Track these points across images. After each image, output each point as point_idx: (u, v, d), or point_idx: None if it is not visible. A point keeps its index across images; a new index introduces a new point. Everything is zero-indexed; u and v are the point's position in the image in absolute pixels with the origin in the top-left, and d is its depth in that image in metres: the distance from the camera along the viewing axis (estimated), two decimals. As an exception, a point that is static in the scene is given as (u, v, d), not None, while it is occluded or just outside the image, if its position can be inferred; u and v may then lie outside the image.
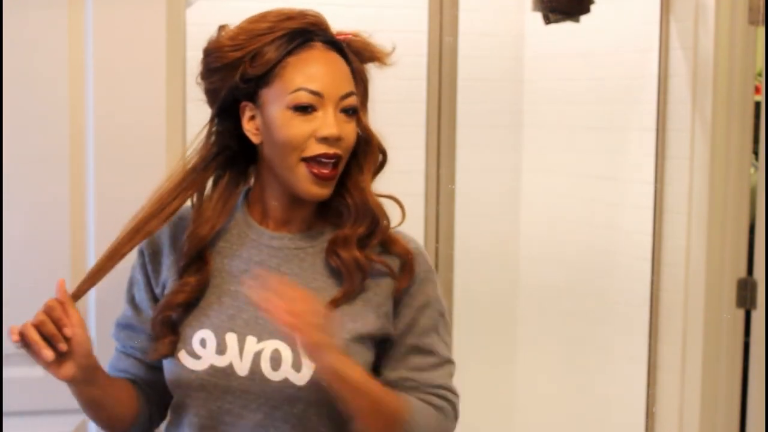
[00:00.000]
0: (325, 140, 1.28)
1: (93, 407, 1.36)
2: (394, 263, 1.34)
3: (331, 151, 1.28)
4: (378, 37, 1.36)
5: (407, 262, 1.34)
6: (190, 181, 1.36)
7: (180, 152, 1.71)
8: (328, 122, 1.28)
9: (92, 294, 1.63)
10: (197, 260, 1.36)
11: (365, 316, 1.32)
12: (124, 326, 1.43)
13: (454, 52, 2.27)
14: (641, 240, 2.59)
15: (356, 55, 1.34)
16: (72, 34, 1.62)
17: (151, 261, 1.41)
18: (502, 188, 3.22)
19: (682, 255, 2.45)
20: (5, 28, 1.59)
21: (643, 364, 2.58)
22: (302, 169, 1.29)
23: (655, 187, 2.53)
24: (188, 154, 1.38)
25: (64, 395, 1.62)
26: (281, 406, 1.29)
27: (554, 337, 3.10)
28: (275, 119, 1.29)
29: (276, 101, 1.29)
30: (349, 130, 1.30)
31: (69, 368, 1.26)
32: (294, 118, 1.28)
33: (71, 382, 1.29)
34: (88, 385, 1.31)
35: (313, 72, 1.28)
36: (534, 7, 2.48)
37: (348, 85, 1.31)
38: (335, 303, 1.31)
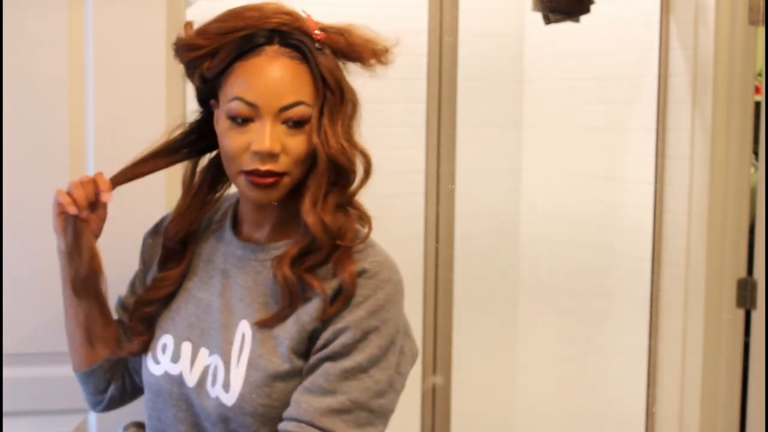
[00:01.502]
0: (257, 155, 1.21)
1: (75, 304, 1.38)
2: (333, 285, 1.24)
3: (264, 167, 1.21)
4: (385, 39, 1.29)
5: (345, 287, 1.22)
6: (160, 153, 1.36)
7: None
8: (261, 136, 1.20)
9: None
10: (175, 256, 1.36)
11: (293, 336, 1.24)
12: (121, 304, 1.47)
13: (454, 52, 2.26)
14: (641, 240, 2.59)
15: (341, 55, 1.26)
16: (72, 34, 1.62)
17: (150, 250, 1.43)
18: (502, 188, 3.22)
19: (682, 255, 2.45)
20: (5, 28, 1.59)
21: (643, 364, 2.58)
22: (242, 179, 1.24)
23: (655, 187, 2.53)
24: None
25: (64, 395, 1.62)
26: (217, 423, 1.26)
27: (554, 337, 3.10)
28: (220, 126, 1.26)
29: (222, 108, 1.25)
30: (293, 144, 1.22)
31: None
32: (231, 129, 1.23)
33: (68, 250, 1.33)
34: (81, 276, 1.34)
35: (252, 81, 1.21)
36: (534, 7, 2.48)
37: (295, 95, 1.22)
38: (263, 323, 1.25)
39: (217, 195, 1.38)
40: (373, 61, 1.27)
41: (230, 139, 1.23)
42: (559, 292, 3.04)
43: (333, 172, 1.24)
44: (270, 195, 1.24)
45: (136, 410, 1.52)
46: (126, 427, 1.57)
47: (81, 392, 1.48)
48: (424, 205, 2.30)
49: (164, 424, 1.33)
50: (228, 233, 1.35)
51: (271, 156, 1.21)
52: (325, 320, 1.24)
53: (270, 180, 1.22)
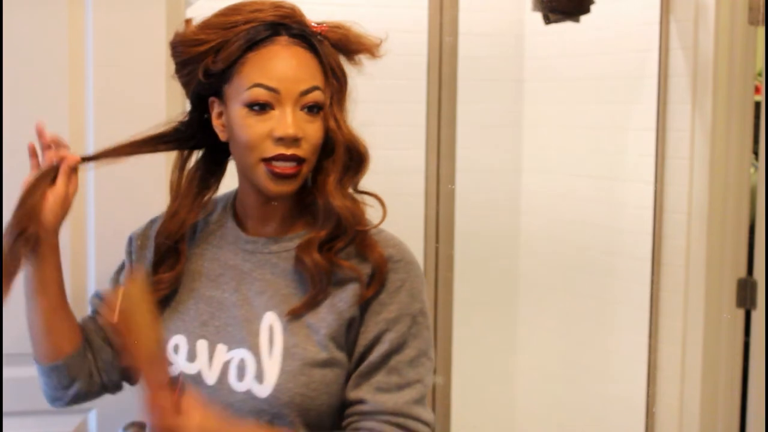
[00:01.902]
0: (281, 140, 1.22)
1: (36, 300, 1.37)
2: (366, 269, 1.27)
3: (289, 152, 1.22)
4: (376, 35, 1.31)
5: (379, 270, 1.26)
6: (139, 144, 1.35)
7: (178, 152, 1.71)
8: (285, 122, 1.21)
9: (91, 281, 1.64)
10: (169, 257, 1.36)
11: (330, 324, 1.26)
12: (100, 299, 1.44)
13: (454, 52, 2.27)
14: (641, 240, 2.59)
15: (337, 48, 1.28)
16: (72, 34, 1.62)
17: (137, 251, 1.41)
18: (502, 188, 3.22)
19: (682, 255, 2.45)
20: (5, 27, 1.59)
21: (643, 364, 2.58)
22: (262, 168, 1.24)
23: (655, 187, 2.53)
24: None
25: (64, 395, 1.60)
26: (248, 416, 1.24)
27: (554, 337, 3.10)
28: (234, 118, 1.25)
29: (235, 98, 1.25)
30: (311, 130, 1.24)
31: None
32: (250, 117, 1.23)
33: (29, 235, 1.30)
34: (41, 261, 1.33)
35: (270, 67, 1.23)
36: (534, 7, 2.48)
37: (311, 81, 1.24)
38: (296, 311, 1.26)
39: (207, 197, 1.37)
40: (364, 56, 1.30)
41: (249, 127, 1.23)
42: (559, 292, 3.04)
43: (347, 157, 1.27)
44: (288, 186, 1.25)
45: (136, 410, 1.51)
46: (126, 427, 1.57)
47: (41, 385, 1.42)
48: (424, 205, 2.30)
49: None
50: (233, 230, 1.35)
51: (295, 141, 1.22)
52: (363, 305, 1.26)
53: (292, 169, 1.23)
